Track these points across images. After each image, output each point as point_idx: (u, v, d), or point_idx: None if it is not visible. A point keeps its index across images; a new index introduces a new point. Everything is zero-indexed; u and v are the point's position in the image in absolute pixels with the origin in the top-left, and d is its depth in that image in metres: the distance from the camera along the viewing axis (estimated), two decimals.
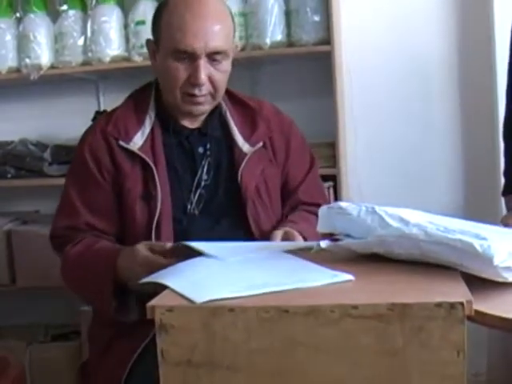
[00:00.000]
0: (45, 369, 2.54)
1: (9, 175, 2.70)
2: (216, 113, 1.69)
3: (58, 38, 2.64)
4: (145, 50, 1.83)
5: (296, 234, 1.55)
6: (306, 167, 1.77)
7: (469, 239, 1.05)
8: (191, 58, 1.56)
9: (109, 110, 1.79)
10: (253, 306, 0.97)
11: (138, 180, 1.61)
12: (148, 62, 1.75)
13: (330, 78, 2.40)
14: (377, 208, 1.21)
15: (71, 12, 2.62)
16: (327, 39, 2.41)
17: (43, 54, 2.62)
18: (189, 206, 1.64)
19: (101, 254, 1.54)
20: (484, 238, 1.05)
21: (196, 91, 1.58)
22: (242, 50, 2.45)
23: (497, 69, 2.44)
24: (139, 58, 2.53)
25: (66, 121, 2.79)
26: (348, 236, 1.25)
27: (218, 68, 1.59)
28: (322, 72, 2.49)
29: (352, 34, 2.59)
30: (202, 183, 1.65)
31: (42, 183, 2.68)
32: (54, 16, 2.68)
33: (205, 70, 1.57)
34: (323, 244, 1.24)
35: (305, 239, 1.54)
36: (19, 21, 2.68)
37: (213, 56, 1.57)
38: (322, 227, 1.31)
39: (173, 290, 1.06)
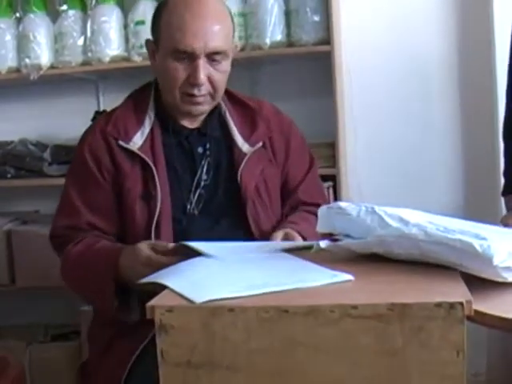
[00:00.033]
0: (45, 369, 2.54)
1: (9, 175, 2.70)
2: (215, 113, 1.69)
3: (57, 38, 2.64)
4: (144, 50, 1.83)
5: (296, 235, 1.55)
6: (305, 167, 1.77)
7: (468, 239, 1.05)
8: (191, 58, 1.56)
9: (108, 109, 1.79)
10: (252, 306, 0.97)
11: (138, 180, 1.61)
12: (147, 62, 1.75)
13: (329, 78, 2.40)
14: (376, 208, 1.21)
15: (71, 12, 2.62)
16: (327, 39, 2.41)
17: (43, 54, 2.62)
18: (188, 206, 1.63)
19: (101, 254, 1.54)
20: (484, 238, 1.05)
21: (195, 91, 1.58)
22: (242, 50, 2.45)
23: (497, 69, 2.44)
24: (139, 58, 2.53)
25: (65, 121, 2.79)
26: (347, 236, 1.25)
27: (217, 68, 1.59)
28: (322, 72, 2.49)
29: (352, 34, 2.59)
30: (202, 183, 1.65)
31: (42, 183, 2.68)
32: (54, 16, 2.68)
33: (204, 70, 1.57)
34: (323, 244, 1.24)
35: (304, 239, 1.54)
36: (19, 21, 2.68)
37: (212, 56, 1.57)
38: (321, 227, 1.31)
39: (172, 290, 1.06)
